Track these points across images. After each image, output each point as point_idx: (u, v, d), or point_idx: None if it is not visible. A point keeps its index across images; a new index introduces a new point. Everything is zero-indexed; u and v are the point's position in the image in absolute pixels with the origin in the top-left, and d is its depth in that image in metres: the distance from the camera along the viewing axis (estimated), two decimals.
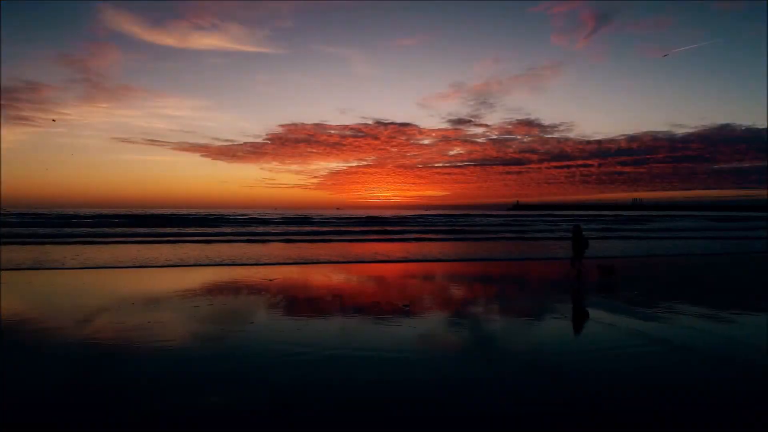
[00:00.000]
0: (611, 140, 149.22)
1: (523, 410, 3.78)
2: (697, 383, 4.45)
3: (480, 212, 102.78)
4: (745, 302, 8.54)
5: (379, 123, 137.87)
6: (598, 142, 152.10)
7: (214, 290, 9.16)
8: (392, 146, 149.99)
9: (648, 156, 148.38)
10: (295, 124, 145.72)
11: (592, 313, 7.48)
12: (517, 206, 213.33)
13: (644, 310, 7.55)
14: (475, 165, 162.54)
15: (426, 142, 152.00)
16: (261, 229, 34.44)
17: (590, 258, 12.16)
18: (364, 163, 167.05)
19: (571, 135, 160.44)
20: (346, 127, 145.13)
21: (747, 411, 3.84)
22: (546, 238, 27.46)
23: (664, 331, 6.25)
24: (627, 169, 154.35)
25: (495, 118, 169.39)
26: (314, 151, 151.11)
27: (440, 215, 71.19)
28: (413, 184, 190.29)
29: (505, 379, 4.56)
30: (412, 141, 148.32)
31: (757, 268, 14.00)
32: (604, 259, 14.64)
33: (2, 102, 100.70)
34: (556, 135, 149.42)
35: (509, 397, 4.05)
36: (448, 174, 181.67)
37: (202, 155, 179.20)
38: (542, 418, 3.62)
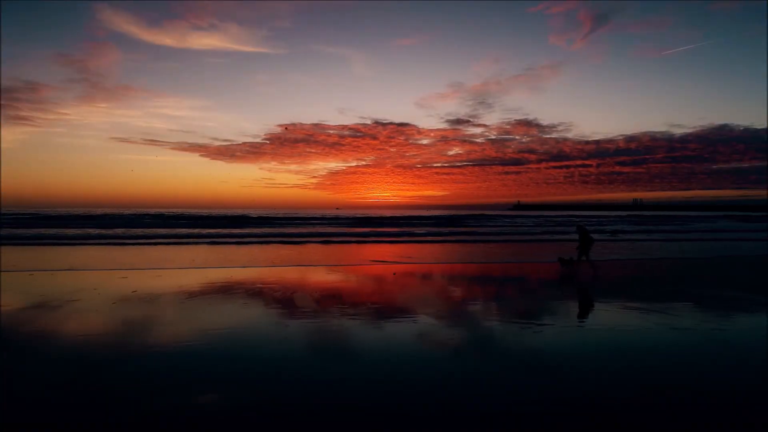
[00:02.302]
0: (610, 140, 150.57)
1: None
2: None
3: (495, 212, 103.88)
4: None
5: (377, 123, 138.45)
6: (597, 142, 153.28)
7: (381, 281, 10.13)
8: (391, 146, 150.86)
9: (646, 156, 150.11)
10: (293, 124, 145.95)
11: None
12: (518, 206, 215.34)
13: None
14: (474, 165, 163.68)
15: (425, 142, 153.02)
16: (317, 229, 35.34)
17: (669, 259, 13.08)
18: (363, 163, 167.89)
19: (570, 135, 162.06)
20: (344, 127, 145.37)
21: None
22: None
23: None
24: (626, 169, 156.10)
25: (493, 118, 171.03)
26: (313, 151, 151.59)
27: (475, 216, 72.00)
28: (412, 184, 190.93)
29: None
30: (411, 141, 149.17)
31: None
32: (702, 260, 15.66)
33: (1, 102, 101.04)
34: (554, 135, 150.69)
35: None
36: (447, 174, 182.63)
37: (201, 155, 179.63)
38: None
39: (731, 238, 29.24)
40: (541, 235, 31.47)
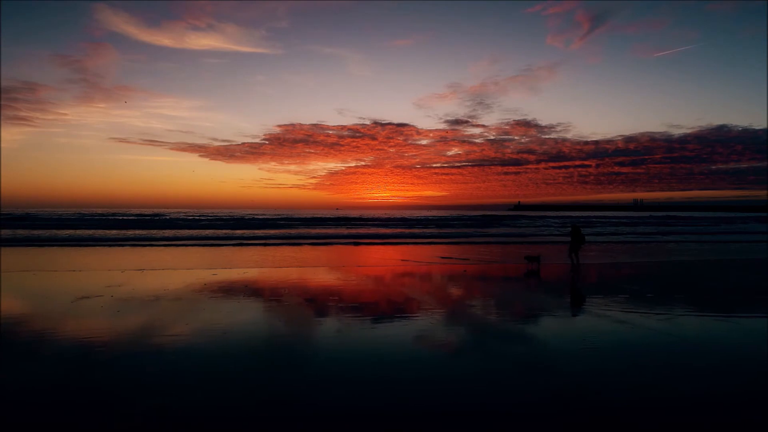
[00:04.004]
0: (608, 141, 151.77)
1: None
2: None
3: (511, 213, 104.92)
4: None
5: (376, 123, 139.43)
6: (596, 142, 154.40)
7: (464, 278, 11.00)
8: (390, 146, 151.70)
9: (645, 156, 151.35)
10: (292, 125, 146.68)
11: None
12: (519, 207, 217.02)
13: None
14: (473, 165, 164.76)
15: (424, 142, 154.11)
16: (345, 230, 36.14)
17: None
18: (362, 163, 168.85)
19: (569, 135, 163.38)
20: (343, 127, 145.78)
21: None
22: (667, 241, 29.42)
23: None
24: (625, 169, 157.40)
25: (492, 118, 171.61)
26: (312, 151, 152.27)
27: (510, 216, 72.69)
28: (412, 184, 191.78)
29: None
30: (409, 141, 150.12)
31: None
32: None
33: (1, 102, 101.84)
34: (553, 135, 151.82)
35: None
36: (447, 174, 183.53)
37: (200, 155, 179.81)
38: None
39: None
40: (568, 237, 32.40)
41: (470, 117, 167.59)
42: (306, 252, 19.47)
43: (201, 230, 34.25)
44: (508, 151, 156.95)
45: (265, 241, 25.19)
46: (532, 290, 10.36)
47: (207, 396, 4.31)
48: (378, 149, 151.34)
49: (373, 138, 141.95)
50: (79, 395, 4.33)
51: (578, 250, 13.32)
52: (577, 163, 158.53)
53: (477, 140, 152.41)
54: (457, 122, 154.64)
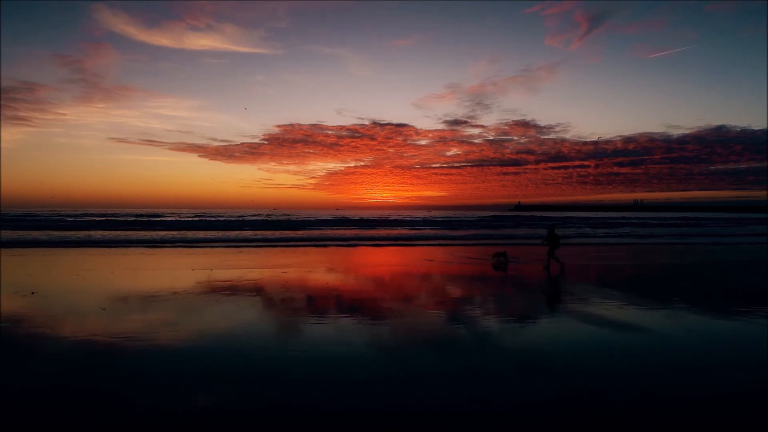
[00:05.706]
0: (607, 141, 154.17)
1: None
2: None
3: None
4: None
5: (375, 123, 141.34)
6: (595, 143, 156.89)
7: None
8: (389, 147, 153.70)
9: (644, 157, 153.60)
10: (292, 125, 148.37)
11: None
12: (519, 207, 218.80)
13: None
14: (472, 166, 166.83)
15: (423, 142, 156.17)
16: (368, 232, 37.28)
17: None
18: (362, 163, 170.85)
19: (568, 136, 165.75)
20: (342, 127, 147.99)
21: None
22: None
23: None
24: (624, 170, 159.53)
25: (491, 119, 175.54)
26: (311, 151, 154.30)
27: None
28: (411, 184, 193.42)
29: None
30: (409, 141, 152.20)
31: None
32: None
33: (1, 102, 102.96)
34: (552, 136, 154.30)
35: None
36: (446, 174, 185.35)
37: (199, 155, 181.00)
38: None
39: None
40: (604, 238, 33.62)
41: (469, 117, 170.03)
42: (336, 253, 20.70)
43: (226, 231, 35.15)
44: (508, 151, 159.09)
45: (296, 243, 26.28)
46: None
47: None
48: (377, 149, 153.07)
49: (372, 138, 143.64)
50: (258, 375, 5.48)
51: (555, 251, 14.06)
52: (576, 163, 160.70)
53: (476, 140, 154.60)
54: (456, 122, 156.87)
